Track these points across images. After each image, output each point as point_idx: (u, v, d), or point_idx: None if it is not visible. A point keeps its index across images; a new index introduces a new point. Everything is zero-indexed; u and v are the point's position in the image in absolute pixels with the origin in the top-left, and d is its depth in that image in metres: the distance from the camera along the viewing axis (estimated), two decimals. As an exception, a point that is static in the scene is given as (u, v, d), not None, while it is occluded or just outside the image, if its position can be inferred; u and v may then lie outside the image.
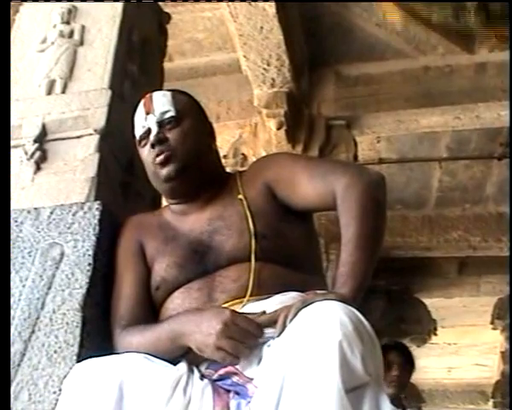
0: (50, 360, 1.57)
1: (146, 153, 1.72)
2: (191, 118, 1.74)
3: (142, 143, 1.73)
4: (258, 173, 1.74)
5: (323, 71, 4.58)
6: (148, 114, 1.72)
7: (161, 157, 1.67)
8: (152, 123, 1.70)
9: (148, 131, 1.71)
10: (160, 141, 1.68)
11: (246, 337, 1.36)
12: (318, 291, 1.39)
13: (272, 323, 1.35)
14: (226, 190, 1.72)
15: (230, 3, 3.70)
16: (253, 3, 3.65)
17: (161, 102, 1.72)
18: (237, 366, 1.39)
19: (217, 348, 1.37)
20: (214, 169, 1.78)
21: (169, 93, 1.76)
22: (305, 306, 1.28)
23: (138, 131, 1.74)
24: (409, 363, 3.39)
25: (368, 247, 1.49)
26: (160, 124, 1.70)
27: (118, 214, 1.82)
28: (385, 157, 5.42)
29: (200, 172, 1.71)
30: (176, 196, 1.74)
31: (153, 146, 1.68)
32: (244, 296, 1.49)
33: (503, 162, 5.29)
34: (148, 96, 1.76)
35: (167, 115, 1.70)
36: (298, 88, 4.33)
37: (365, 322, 1.24)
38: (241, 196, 1.67)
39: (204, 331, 1.39)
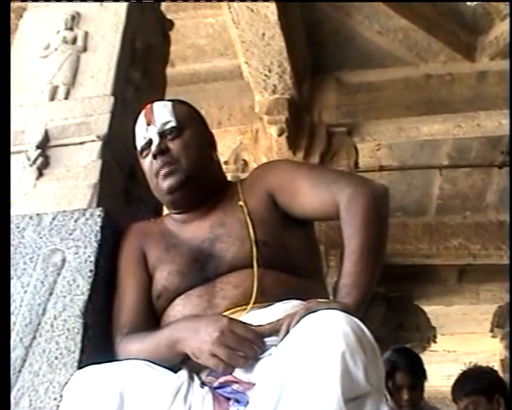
0: (51, 367, 1.57)
1: (147, 164, 1.73)
2: (192, 128, 1.74)
3: (144, 153, 1.74)
4: (258, 180, 1.74)
5: (325, 78, 4.59)
6: (148, 124, 1.72)
7: (166, 170, 1.67)
8: (153, 134, 1.70)
9: (150, 142, 1.71)
10: (162, 151, 1.68)
11: (242, 346, 1.35)
12: (321, 300, 1.39)
13: (275, 332, 1.35)
14: (227, 198, 1.72)
15: (232, 10, 3.71)
16: (254, 10, 3.66)
17: (162, 113, 1.72)
18: (237, 374, 1.38)
19: (211, 354, 1.37)
20: (216, 179, 1.78)
21: (169, 103, 1.76)
22: (309, 314, 1.27)
23: (139, 142, 1.74)
24: (418, 379, 3.24)
25: (371, 258, 1.49)
26: (162, 135, 1.70)
27: (120, 221, 1.82)
28: (385, 164, 5.44)
29: (202, 183, 1.71)
30: (177, 207, 1.74)
31: (155, 157, 1.69)
32: (247, 303, 1.49)
33: (504, 170, 5.30)
34: (148, 106, 1.76)
35: (168, 126, 1.70)
36: (299, 95, 4.34)
37: (368, 333, 1.23)
38: (241, 203, 1.67)
39: (200, 338, 1.39)
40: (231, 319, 1.41)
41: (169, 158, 1.68)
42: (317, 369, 1.15)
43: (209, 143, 1.80)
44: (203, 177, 1.71)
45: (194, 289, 1.58)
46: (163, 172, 1.68)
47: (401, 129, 4.61)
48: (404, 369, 3.17)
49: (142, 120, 1.75)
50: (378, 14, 4.16)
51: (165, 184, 1.68)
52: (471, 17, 4.23)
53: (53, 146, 1.96)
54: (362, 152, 4.79)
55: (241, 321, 1.42)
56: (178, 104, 1.78)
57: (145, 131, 1.72)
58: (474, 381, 3.13)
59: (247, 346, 1.36)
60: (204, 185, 1.71)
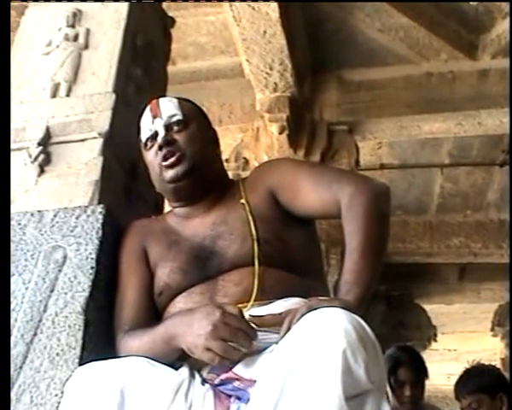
0: (52, 363, 1.57)
1: (152, 155, 1.73)
2: (197, 123, 1.76)
3: (148, 145, 1.75)
4: (260, 179, 1.74)
5: (326, 76, 4.59)
6: (155, 117, 1.73)
7: (173, 159, 1.68)
8: (159, 126, 1.72)
9: (155, 134, 1.72)
10: (168, 143, 1.69)
11: (236, 337, 1.35)
12: (322, 297, 1.39)
13: (276, 324, 1.35)
14: (229, 195, 1.73)
15: (234, 8, 3.71)
16: (256, 8, 3.66)
17: (168, 107, 1.74)
18: (238, 371, 1.38)
19: (206, 349, 1.36)
20: (218, 175, 1.80)
21: (175, 99, 1.79)
22: (310, 311, 1.27)
23: (145, 135, 1.75)
24: (420, 375, 3.24)
25: (372, 256, 1.49)
26: (168, 127, 1.72)
27: (121, 218, 1.82)
28: (386, 163, 5.44)
29: (206, 175, 1.72)
30: (180, 197, 1.74)
31: (160, 148, 1.70)
32: (247, 301, 1.49)
33: (505, 169, 5.30)
34: (154, 101, 1.78)
35: (174, 119, 1.72)
36: (300, 93, 4.34)
37: (369, 330, 1.23)
38: (243, 201, 1.67)
39: (194, 332, 1.38)
40: (224, 310, 1.39)
41: (175, 149, 1.69)
42: (318, 366, 1.15)
43: (213, 139, 1.82)
44: (206, 169, 1.72)
45: (196, 286, 1.58)
46: (168, 162, 1.68)
47: (402, 127, 4.61)
48: (407, 365, 3.18)
49: (147, 113, 1.76)
50: (379, 13, 4.15)
51: (170, 173, 1.69)
52: (473, 15, 4.23)
53: (54, 143, 1.96)
54: (363, 150, 4.79)
55: (233, 312, 1.40)
56: (183, 100, 1.80)
57: (151, 124, 1.74)
58: (477, 379, 3.12)
59: (241, 337, 1.35)
60: (207, 177, 1.72)
